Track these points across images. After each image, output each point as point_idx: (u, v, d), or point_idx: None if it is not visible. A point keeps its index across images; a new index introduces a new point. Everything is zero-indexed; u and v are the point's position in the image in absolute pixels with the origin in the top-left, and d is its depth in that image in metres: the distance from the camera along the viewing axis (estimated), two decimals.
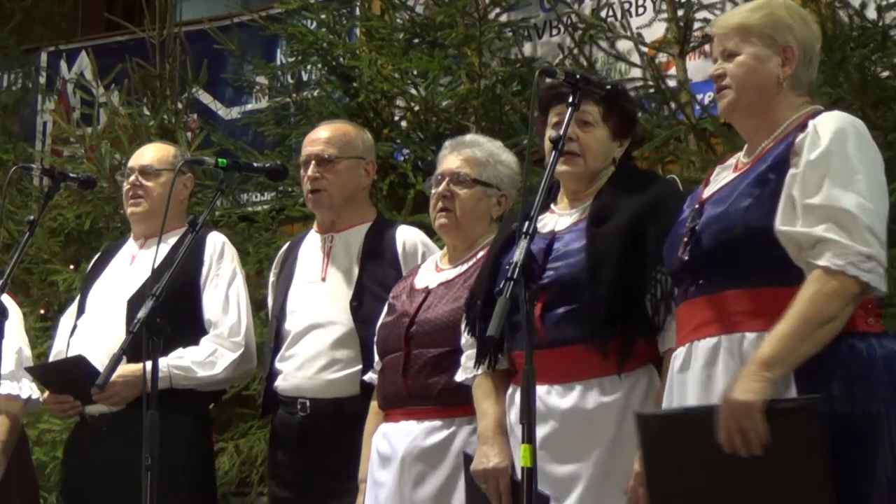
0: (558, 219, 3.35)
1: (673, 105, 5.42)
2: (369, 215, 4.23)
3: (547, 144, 3.27)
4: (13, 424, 4.35)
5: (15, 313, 4.45)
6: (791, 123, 2.95)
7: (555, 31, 6.43)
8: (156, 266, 3.68)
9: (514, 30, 6.21)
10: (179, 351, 4.10)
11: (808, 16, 3.09)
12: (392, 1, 6.23)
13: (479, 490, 3.27)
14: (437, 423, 3.51)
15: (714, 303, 2.86)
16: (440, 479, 3.47)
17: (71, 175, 4.33)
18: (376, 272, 4.03)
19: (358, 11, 6.57)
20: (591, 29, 5.80)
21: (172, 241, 4.21)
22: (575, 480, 3.14)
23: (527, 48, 6.31)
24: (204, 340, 4.16)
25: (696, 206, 2.98)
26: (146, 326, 3.38)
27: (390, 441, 3.58)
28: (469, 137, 3.87)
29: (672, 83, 5.52)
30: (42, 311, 6.54)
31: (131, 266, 4.32)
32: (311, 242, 4.21)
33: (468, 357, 3.39)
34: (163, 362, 3.99)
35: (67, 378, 4.13)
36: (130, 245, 4.42)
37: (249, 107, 7.52)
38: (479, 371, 3.35)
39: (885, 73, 4.92)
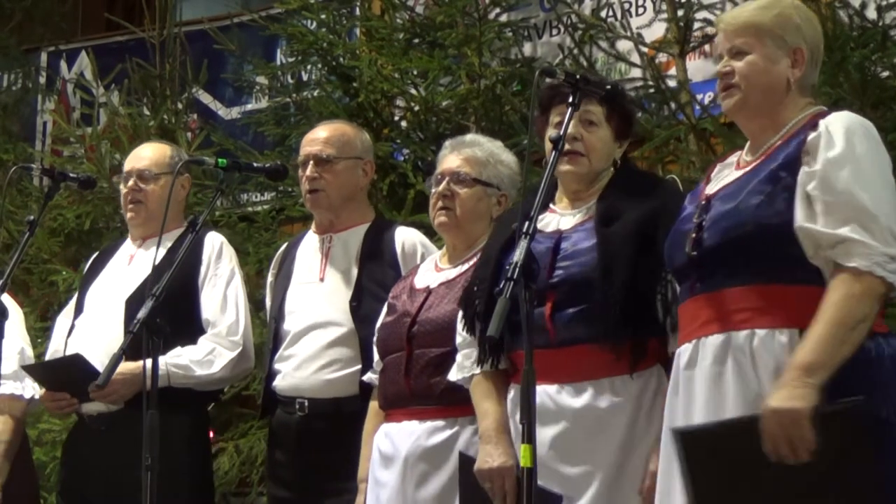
0: (561, 218, 3.35)
1: (673, 105, 5.42)
2: (368, 216, 4.24)
3: (548, 144, 3.27)
4: (17, 425, 4.36)
5: (16, 313, 4.45)
6: (797, 123, 2.95)
7: (555, 31, 6.43)
8: (155, 265, 3.68)
9: (514, 30, 6.21)
10: (177, 350, 4.10)
11: (815, 16, 3.09)
12: (392, 1, 6.23)
13: (474, 490, 3.26)
14: (440, 422, 3.50)
15: (722, 299, 2.85)
16: (443, 479, 3.46)
17: (71, 175, 4.33)
18: (375, 273, 4.03)
19: (358, 11, 6.57)
20: (591, 29, 5.80)
21: (170, 241, 4.21)
22: (588, 480, 3.13)
23: (527, 48, 6.31)
24: (202, 339, 4.16)
25: (703, 202, 2.97)
26: (146, 326, 3.39)
27: (393, 441, 3.57)
28: (469, 137, 3.87)
29: (672, 83, 5.52)
30: (42, 311, 6.53)
31: (130, 266, 4.31)
32: (309, 243, 4.21)
33: (465, 356, 3.38)
34: (161, 361, 3.97)
35: (64, 376, 4.13)
36: (128, 245, 4.42)
37: (249, 107, 7.52)
38: (479, 370, 3.34)
39: (885, 73, 4.92)
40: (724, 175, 3.04)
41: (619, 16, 5.99)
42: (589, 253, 3.20)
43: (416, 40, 6.19)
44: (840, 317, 2.71)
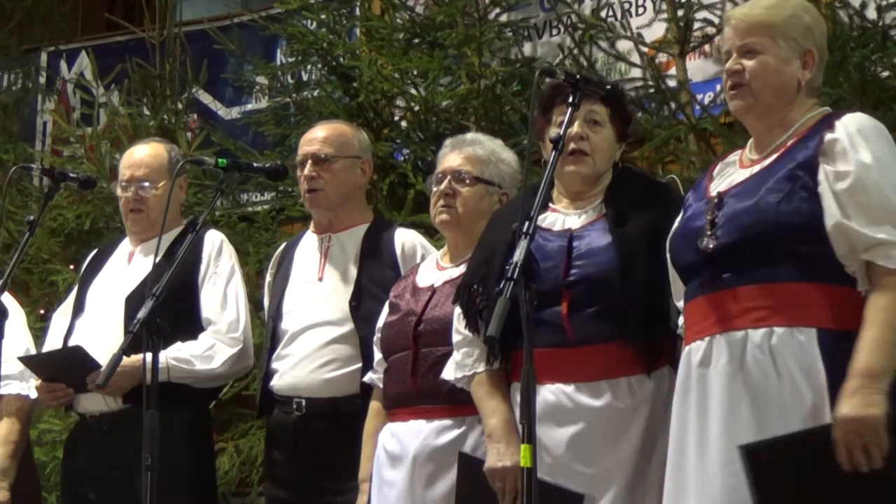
0: (566, 217, 3.35)
1: (673, 105, 5.42)
2: (367, 216, 4.24)
3: (548, 144, 3.27)
4: (23, 426, 4.36)
5: (18, 313, 4.45)
6: (805, 123, 2.95)
7: (555, 31, 6.43)
8: (155, 264, 3.68)
9: (514, 30, 6.21)
10: (178, 344, 4.10)
11: (821, 17, 3.09)
12: (392, 1, 6.23)
13: (474, 490, 3.26)
14: (448, 422, 3.50)
15: (738, 297, 2.85)
16: (453, 478, 3.44)
17: (71, 175, 4.33)
18: (375, 273, 4.03)
19: (358, 11, 6.57)
20: (591, 29, 5.80)
21: (169, 239, 4.20)
22: (609, 480, 3.14)
23: (527, 48, 6.31)
24: (202, 335, 4.17)
25: (715, 199, 2.96)
26: (146, 326, 3.39)
27: (400, 440, 3.56)
28: (470, 136, 3.88)
29: (672, 83, 5.52)
30: (42, 311, 6.53)
31: (129, 265, 4.31)
32: (308, 243, 4.22)
33: (466, 354, 3.37)
34: (161, 355, 3.98)
35: (62, 367, 4.13)
36: (127, 244, 4.42)
37: (249, 107, 7.52)
38: (482, 369, 3.33)
39: (885, 73, 4.92)
40: (730, 173, 3.03)
41: (619, 16, 5.99)
42: (604, 252, 3.20)
43: (416, 40, 6.19)
44: (894, 320, 2.72)
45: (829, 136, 2.86)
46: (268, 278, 4.33)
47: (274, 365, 4.09)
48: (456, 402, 3.44)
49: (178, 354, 4.09)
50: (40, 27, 8.55)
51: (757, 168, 2.96)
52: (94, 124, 7.12)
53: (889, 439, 2.66)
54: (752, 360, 2.81)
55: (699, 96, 5.56)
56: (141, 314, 3.42)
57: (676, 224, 3.09)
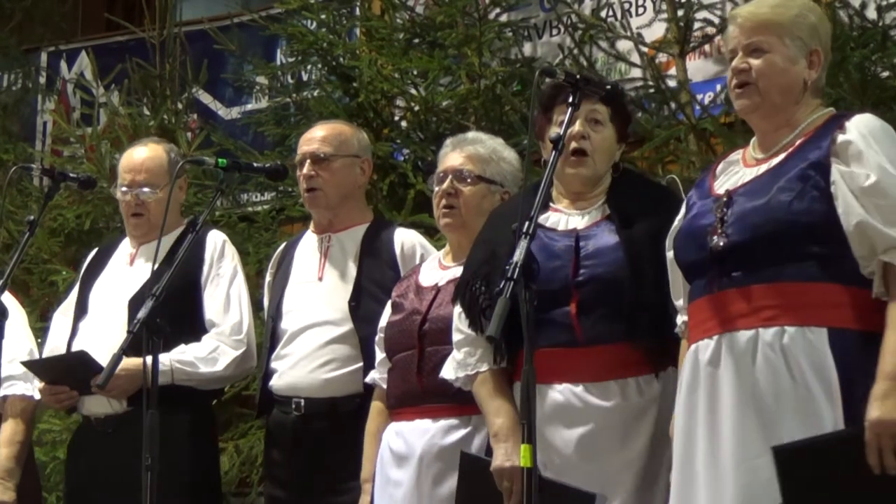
0: (569, 218, 3.34)
1: (673, 105, 5.42)
2: (367, 216, 4.24)
3: (548, 143, 3.27)
4: (27, 427, 4.36)
5: (19, 314, 4.46)
6: (812, 123, 2.95)
7: (555, 31, 6.43)
8: (156, 266, 3.68)
9: (514, 30, 6.21)
10: (181, 347, 4.11)
11: (826, 17, 3.09)
12: (392, 1, 6.23)
13: (475, 489, 3.25)
14: (454, 421, 3.50)
15: (749, 295, 2.85)
16: None
17: (71, 175, 4.33)
18: (374, 273, 4.04)
19: (358, 11, 6.57)
20: (591, 29, 5.79)
21: (170, 240, 4.20)
22: (620, 480, 3.14)
23: (527, 48, 6.31)
24: (206, 337, 4.17)
25: (723, 197, 2.95)
26: (146, 326, 3.39)
27: (406, 439, 3.56)
28: (471, 135, 3.88)
29: (672, 83, 5.51)
30: (42, 311, 6.53)
31: (132, 268, 4.31)
32: (308, 243, 4.22)
33: (468, 353, 3.36)
34: (165, 357, 4.01)
35: (66, 371, 4.13)
36: (127, 245, 4.41)
37: (249, 107, 7.51)
38: (485, 368, 3.32)
39: (885, 73, 4.92)
40: (734, 171, 3.03)
41: (619, 16, 5.99)
42: (612, 252, 3.21)
43: (416, 40, 6.19)
44: None
45: (841, 138, 2.86)
46: (268, 278, 4.33)
47: (273, 365, 4.09)
48: (462, 402, 3.43)
49: (182, 357, 4.09)
50: (40, 27, 8.55)
51: (764, 167, 2.95)
52: (94, 124, 7.12)
53: None
54: (763, 359, 2.81)
55: (699, 96, 5.56)
56: (141, 314, 3.42)
57: (678, 222, 3.08)
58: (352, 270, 4.07)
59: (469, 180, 3.68)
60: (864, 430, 2.68)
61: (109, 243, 4.59)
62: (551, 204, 3.39)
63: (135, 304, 4.09)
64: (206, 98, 7.66)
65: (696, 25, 5.58)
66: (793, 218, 2.82)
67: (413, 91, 6.02)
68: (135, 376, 3.93)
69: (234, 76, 7.05)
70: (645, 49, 5.71)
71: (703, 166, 4.83)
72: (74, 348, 4.25)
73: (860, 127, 2.87)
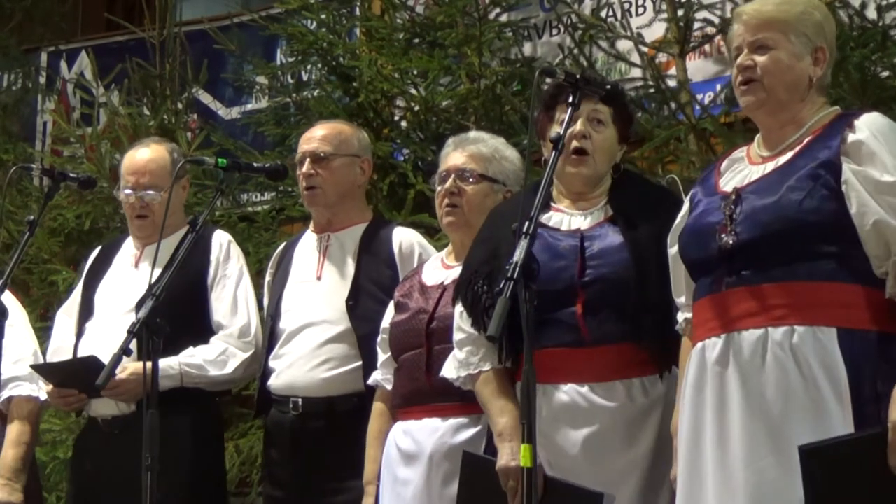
0: (571, 218, 3.34)
1: (673, 105, 5.42)
2: (366, 215, 4.25)
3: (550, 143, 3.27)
4: (33, 428, 4.37)
5: (21, 313, 4.46)
6: (819, 121, 2.95)
7: (555, 31, 6.42)
8: (160, 268, 3.68)
9: (514, 30, 6.20)
10: (190, 350, 4.12)
11: (831, 15, 3.08)
12: (392, 1, 6.22)
13: (476, 489, 3.25)
14: (464, 419, 3.49)
15: (759, 294, 2.84)
16: None
17: (71, 175, 4.33)
18: (372, 272, 4.04)
19: (358, 11, 6.56)
20: (591, 29, 5.79)
21: (175, 241, 4.20)
22: (625, 480, 3.14)
23: (527, 48, 6.30)
24: (214, 340, 4.18)
25: (731, 195, 2.95)
26: (146, 326, 3.39)
27: (414, 438, 3.56)
28: (473, 134, 3.89)
29: (672, 83, 5.51)
30: (42, 311, 6.53)
31: (137, 269, 4.31)
32: (307, 242, 4.22)
33: (470, 353, 3.36)
34: (174, 361, 4.03)
35: (75, 375, 4.13)
36: (131, 246, 4.41)
37: (249, 107, 7.51)
38: (488, 367, 3.32)
39: (885, 73, 4.92)
40: (740, 169, 3.02)
41: (619, 16, 5.99)
42: (617, 253, 3.21)
43: (416, 40, 6.18)
44: None
45: (852, 137, 2.86)
46: (267, 277, 4.33)
47: (271, 364, 4.10)
48: (471, 400, 3.42)
49: (191, 360, 4.10)
50: (40, 27, 8.55)
51: (772, 165, 2.95)
52: (94, 124, 7.11)
53: None
54: (772, 359, 2.80)
55: (699, 96, 5.56)
56: (141, 314, 3.42)
57: (682, 219, 3.08)
58: (350, 269, 4.07)
59: (472, 179, 3.68)
60: (888, 430, 2.67)
61: (112, 243, 4.59)
62: (552, 203, 3.39)
63: (142, 306, 4.10)
64: (206, 98, 7.66)
65: (696, 25, 5.58)
66: (803, 217, 2.82)
67: (413, 91, 6.02)
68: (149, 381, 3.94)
69: (234, 76, 7.05)
70: (645, 49, 5.71)
71: (704, 166, 4.84)
72: (81, 350, 4.26)
73: (871, 126, 2.87)
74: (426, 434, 3.53)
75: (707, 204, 3.00)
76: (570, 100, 3.13)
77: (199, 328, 4.17)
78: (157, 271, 3.62)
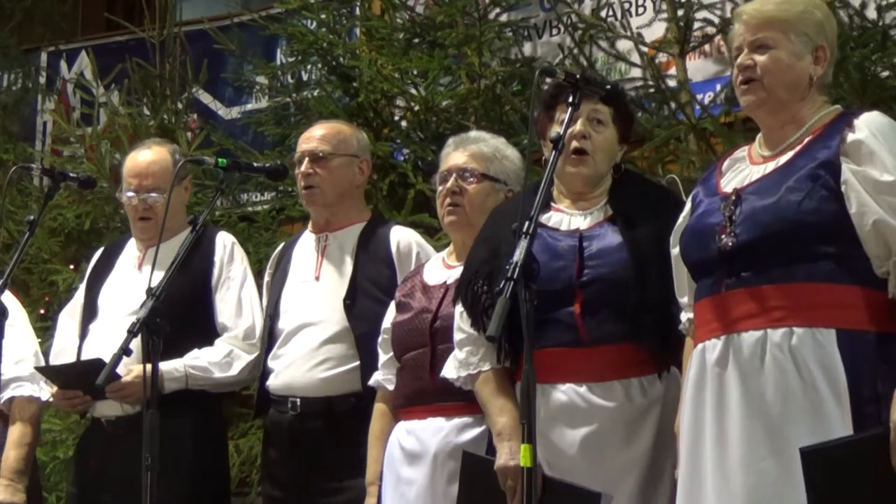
0: (571, 218, 3.34)
1: (673, 105, 5.42)
2: (364, 215, 4.25)
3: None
4: (35, 429, 4.37)
5: (21, 313, 4.46)
6: (819, 121, 2.95)
7: (555, 31, 6.43)
8: (162, 270, 3.67)
9: (514, 30, 6.20)
10: (195, 352, 4.12)
11: (832, 14, 3.08)
12: (392, 1, 6.22)
13: (476, 489, 3.25)
14: (468, 419, 3.49)
15: (758, 295, 2.84)
16: None
17: (71, 175, 4.32)
18: (370, 271, 4.04)
19: (358, 11, 6.56)
20: (591, 29, 5.79)
21: (178, 242, 4.19)
22: (623, 480, 3.14)
23: (527, 48, 6.30)
24: (219, 342, 4.18)
25: (731, 196, 2.95)
26: (145, 326, 3.39)
27: (418, 437, 3.55)
28: (473, 134, 3.89)
29: (672, 83, 5.51)
30: (42, 311, 6.53)
31: (140, 271, 4.30)
32: (306, 242, 4.22)
33: (470, 353, 3.36)
34: (179, 363, 4.04)
35: (81, 377, 4.13)
36: (133, 247, 4.41)
37: (249, 107, 7.51)
38: (487, 367, 3.32)
39: (885, 73, 4.92)
40: (741, 169, 3.02)
41: (619, 16, 5.99)
42: (616, 253, 3.21)
43: (416, 40, 6.19)
44: None
45: (851, 137, 2.85)
46: (266, 278, 4.33)
47: (270, 364, 4.10)
48: (475, 399, 3.40)
49: (196, 363, 4.11)
50: (40, 27, 8.55)
51: (772, 165, 2.95)
52: (94, 124, 7.11)
53: None
54: (771, 360, 2.80)
55: (699, 96, 5.56)
56: (140, 314, 3.42)
57: (685, 220, 3.08)
58: (348, 269, 4.07)
59: (473, 179, 3.68)
60: (890, 431, 2.67)
61: (114, 245, 4.58)
62: (552, 204, 3.39)
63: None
64: (206, 98, 7.67)
65: (696, 25, 5.58)
66: (802, 217, 2.81)
67: (413, 91, 6.02)
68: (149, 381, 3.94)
69: (234, 76, 7.05)
70: (645, 49, 5.71)
71: (704, 166, 4.83)
72: (85, 352, 4.26)
73: (870, 126, 2.86)
74: (430, 433, 3.53)
75: (708, 205, 3.00)
76: (570, 100, 3.13)
77: (204, 330, 4.17)
78: (157, 272, 3.61)
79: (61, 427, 5.91)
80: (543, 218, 3.28)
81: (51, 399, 4.35)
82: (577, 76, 3.15)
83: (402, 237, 4.10)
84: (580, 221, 3.32)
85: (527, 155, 3.36)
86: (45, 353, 4.49)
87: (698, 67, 5.91)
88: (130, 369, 4.01)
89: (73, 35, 8.63)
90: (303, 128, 4.69)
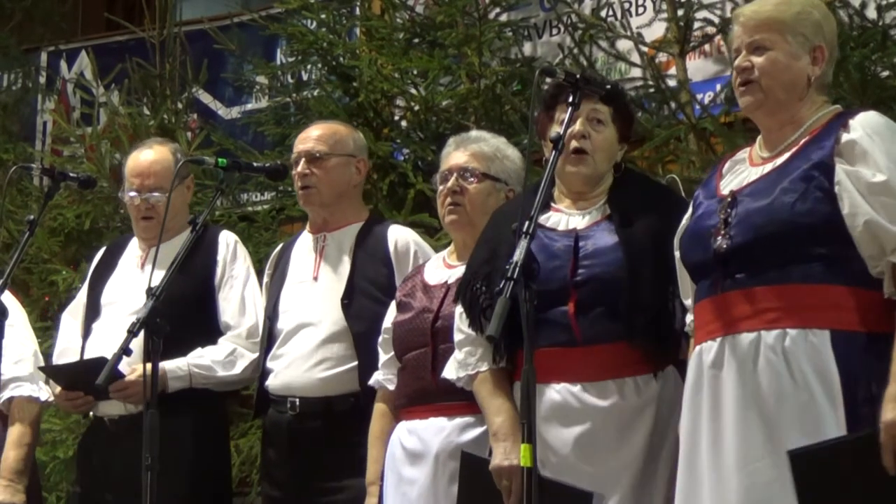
0: (569, 217, 3.34)
1: (673, 105, 5.42)
2: (362, 214, 4.25)
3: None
4: (34, 429, 4.37)
5: (21, 313, 4.46)
6: (817, 121, 2.95)
7: (555, 31, 6.42)
8: (163, 269, 3.67)
9: (514, 30, 6.20)
10: (198, 350, 4.13)
11: (831, 15, 3.08)
12: (392, 1, 6.23)
13: (476, 489, 3.25)
14: (470, 419, 3.48)
15: (752, 297, 2.84)
16: None
17: (71, 175, 4.33)
18: (368, 270, 4.04)
19: (358, 11, 6.56)
20: (591, 29, 5.79)
21: (180, 242, 4.19)
22: (617, 479, 3.14)
23: (527, 48, 6.30)
24: (222, 340, 4.19)
25: (728, 198, 2.95)
26: (145, 326, 3.39)
27: (420, 437, 3.55)
28: (474, 133, 3.89)
29: (672, 83, 5.51)
30: (42, 311, 6.53)
31: (142, 271, 4.30)
32: (304, 243, 4.23)
33: (468, 353, 3.36)
34: (183, 362, 4.04)
35: (84, 377, 4.13)
36: (135, 247, 4.42)
37: (249, 107, 7.51)
38: (485, 367, 3.32)
39: (885, 73, 4.92)
40: (740, 171, 3.02)
41: (619, 15, 5.99)
42: (611, 252, 3.21)
43: (416, 40, 6.19)
44: None
45: (846, 137, 2.85)
46: (265, 278, 4.33)
47: (269, 364, 4.10)
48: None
49: (200, 361, 4.11)
50: (40, 27, 8.54)
51: (769, 167, 2.95)
52: (94, 124, 7.11)
53: None
54: (765, 362, 2.81)
55: (699, 96, 5.56)
56: (141, 314, 3.42)
57: (686, 222, 3.08)
58: (346, 269, 4.07)
59: (474, 178, 3.69)
60: (879, 432, 2.66)
61: (116, 243, 4.58)
62: (552, 204, 3.39)
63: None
64: (206, 98, 7.66)
65: (696, 25, 5.58)
66: (795, 219, 2.82)
67: (413, 91, 6.02)
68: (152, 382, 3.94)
69: (234, 76, 7.05)
70: (645, 49, 5.71)
71: (704, 166, 4.84)
72: (88, 351, 4.26)
73: (865, 125, 2.86)
74: (432, 433, 3.53)
75: (706, 207, 3.01)
76: (570, 99, 3.13)
77: (207, 329, 4.18)
78: (159, 272, 3.61)
79: (61, 427, 5.91)
80: (542, 218, 3.28)
81: (51, 399, 4.34)
82: (577, 76, 3.15)
83: (399, 236, 4.10)
84: (578, 221, 3.32)
85: (527, 155, 3.36)
86: (47, 354, 4.49)
87: (698, 67, 5.91)
88: (134, 368, 4.01)
89: (73, 35, 8.63)
90: (303, 128, 4.69)
